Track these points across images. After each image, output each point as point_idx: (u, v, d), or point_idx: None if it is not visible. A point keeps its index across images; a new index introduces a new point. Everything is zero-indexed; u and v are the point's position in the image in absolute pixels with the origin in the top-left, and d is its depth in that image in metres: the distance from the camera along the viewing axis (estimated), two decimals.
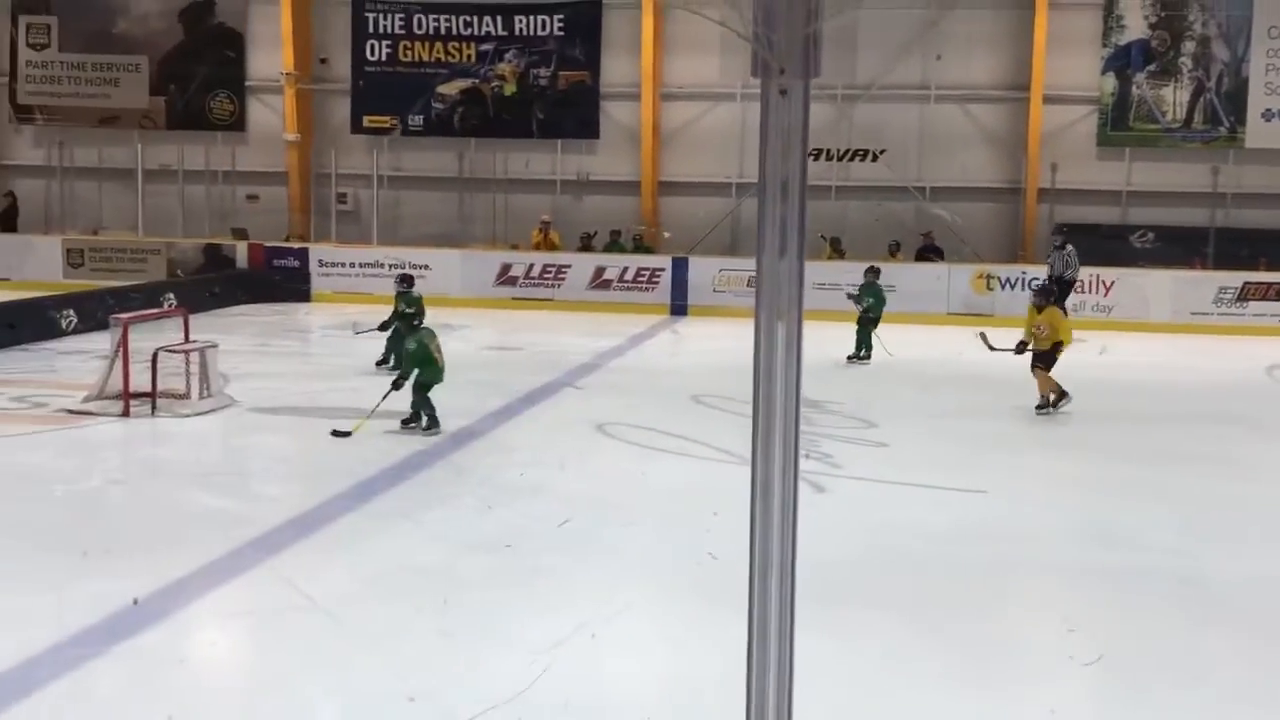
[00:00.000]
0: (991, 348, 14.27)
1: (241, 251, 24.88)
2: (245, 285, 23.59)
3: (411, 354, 12.10)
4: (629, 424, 12.87)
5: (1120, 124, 24.37)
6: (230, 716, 5.91)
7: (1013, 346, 13.83)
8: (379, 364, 15.57)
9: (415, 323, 13.88)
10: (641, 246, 24.88)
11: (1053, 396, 13.60)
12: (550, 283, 23.79)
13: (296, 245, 25.24)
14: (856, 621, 7.14)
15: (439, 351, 12.14)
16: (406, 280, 15.67)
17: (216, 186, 27.11)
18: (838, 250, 23.89)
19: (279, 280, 24.22)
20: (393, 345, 15.10)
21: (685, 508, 9.70)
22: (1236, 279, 22.31)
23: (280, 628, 7.01)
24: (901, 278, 22.71)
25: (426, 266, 24.17)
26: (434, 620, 7.06)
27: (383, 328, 15.44)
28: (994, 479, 10.80)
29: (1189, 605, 7.73)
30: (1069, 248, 20.83)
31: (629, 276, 23.74)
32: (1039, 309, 13.79)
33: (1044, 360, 13.60)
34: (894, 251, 23.91)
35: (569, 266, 24.02)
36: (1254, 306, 22.04)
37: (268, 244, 25.14)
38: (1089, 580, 8.26)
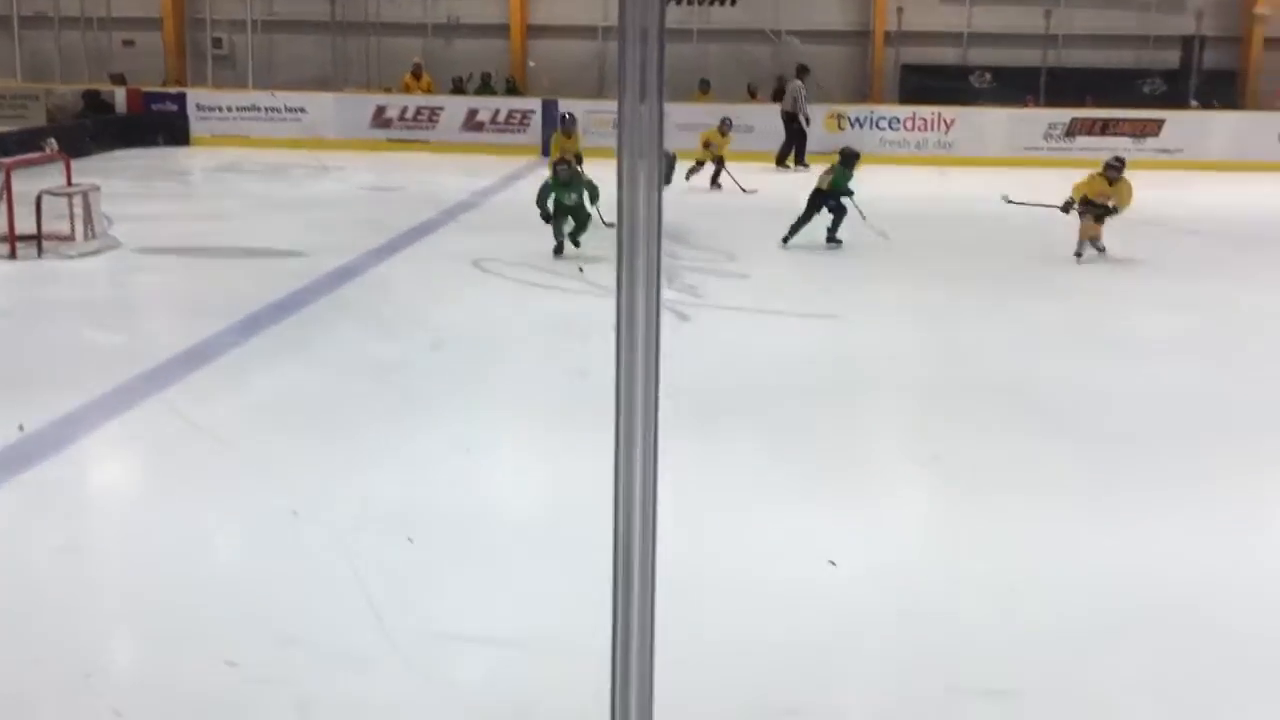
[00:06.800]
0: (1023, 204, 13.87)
1: (120, 97, 23.91)
2: (125, 130, 22.69)
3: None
4: (505, 260, 12.72)
5: None
6: (126, 539, 5.80)
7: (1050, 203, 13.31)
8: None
9: None
10: (512, 89, 24.43)
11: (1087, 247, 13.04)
12: (425, 125, 23.28)
13: (174, 90, 24.29)
14: (720, 439, 7.21)
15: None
16: None
17: (92, 32, 25.87)
18: (706, 91, 23.75)
19: (158, 124, 23.35)
20: None
21: (558, 336, 9.67)
22: (1065, 116, 22.66)
23: (171, 456, 6.87)
24: (759, 118, 22.64)
25: (303, 109, 23.54)
26: (317, 444, 6.98)
27: None
28: (846, 306, 10.94)
29: (1021, 415, 7.94)
30: (796, 82, 21.62)
31: (501, 118, 23.32)
32: (1111, 181, 12.97)
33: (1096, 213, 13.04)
34: (753, 93, 23.79)
35: (442, 109, 23.50)
36: (1081, 141, 22.43)
37: (145, 89, 24.16)
38: (932, 395, 8.42)
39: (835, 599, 5.14)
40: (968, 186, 18.80)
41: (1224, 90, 23.90)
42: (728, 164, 18.47)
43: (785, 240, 13.77)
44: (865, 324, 10.46)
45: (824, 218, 13.65)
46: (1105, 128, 22.46)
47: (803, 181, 18.22)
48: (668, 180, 14.27)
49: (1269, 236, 15.50)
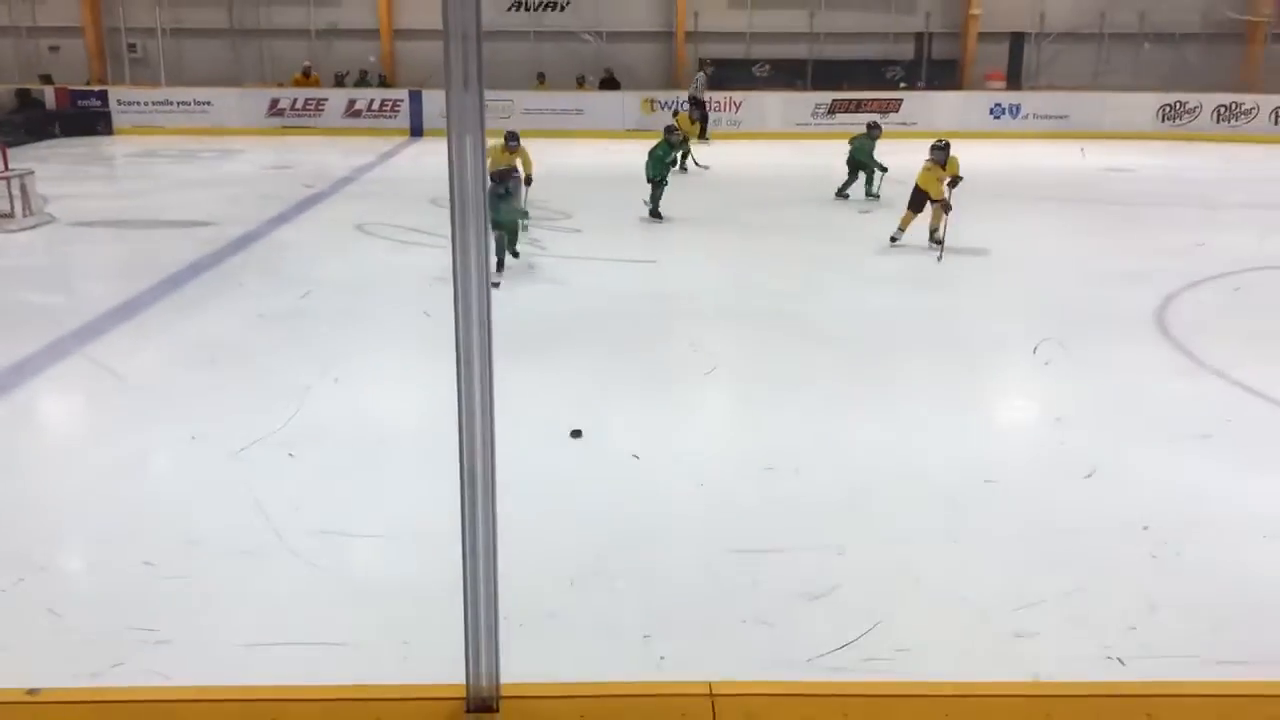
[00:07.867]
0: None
1: (50, 96, 22.47)
2: (54, 123, 21.37)
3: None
4: (383, 223, 12.40)
5: None
6: (55, 466, 5.51)
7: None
8: None
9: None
10: (384, 82, 23.71)
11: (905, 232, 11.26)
12: (312, 113, 22.47)
13: (97, 88, 22.92)
14: (561, 360, 7.16)
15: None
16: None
17: (21, 40, 24.23)
18: (542, 81, 23.38)
19: (85, 118, 22.04)
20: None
21: (421, 285, 9.44)
22: (827, 98, 22.93)
23: (93, 396, 6.54)
24: (589, 103, 22.44)
25: (209, 103, 22.50)
26: (214, 382, 6.73)
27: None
28: (663, 252, 10.94)
29: (795, 334, 8.07)
30: (699, 75, 21.80)
31: (376, 106, 22.62)
32: (944, 165, 10.93)
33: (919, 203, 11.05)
34: (581, 82, 23.50)
35: (327, 99, 22.68)
36: (840, 117, 22.74)
37: (72, 88, 22.75)
38: (726, 320, 8.50)
39: (643, 483, 5.17)
40: (751, 154, 18.98)
41: (948, 75, 24.41)
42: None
43: (837, 194, 14.19)
44: (678, 266, 10.48)
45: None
46: (859, 106, 22.78)
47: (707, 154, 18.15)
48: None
49: (985, 190, 15.95)
